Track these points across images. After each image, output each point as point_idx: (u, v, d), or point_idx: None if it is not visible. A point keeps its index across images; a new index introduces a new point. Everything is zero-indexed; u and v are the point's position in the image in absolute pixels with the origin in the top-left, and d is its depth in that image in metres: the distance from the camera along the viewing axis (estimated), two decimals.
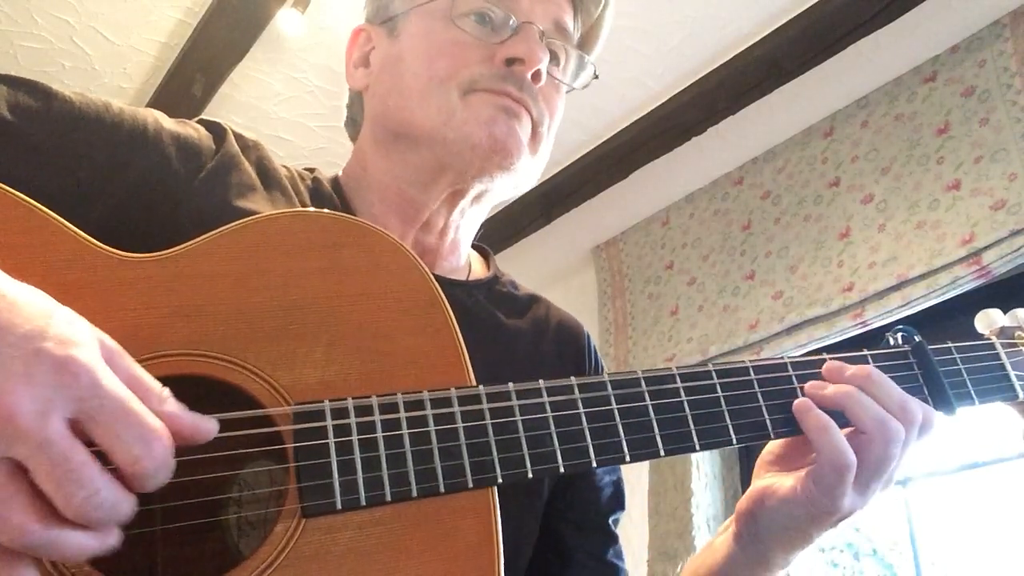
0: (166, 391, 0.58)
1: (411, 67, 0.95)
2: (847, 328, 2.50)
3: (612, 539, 1.06)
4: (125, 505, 0.53)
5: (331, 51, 2.68)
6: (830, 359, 0.86)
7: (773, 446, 0.90)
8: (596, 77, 1.07)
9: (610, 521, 1.06)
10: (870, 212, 2.56)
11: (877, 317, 2.43)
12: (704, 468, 2.88)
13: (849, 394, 0.81)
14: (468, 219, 1.03)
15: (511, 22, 0.95)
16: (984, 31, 2.41)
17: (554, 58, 1.00)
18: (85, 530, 0.52)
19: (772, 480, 0.85)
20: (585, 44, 1.07)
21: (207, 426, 0.59)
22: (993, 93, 2.35)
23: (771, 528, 0.84)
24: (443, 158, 0.93)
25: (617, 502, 1.07)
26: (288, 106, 2.91)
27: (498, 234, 3.36)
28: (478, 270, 1.08)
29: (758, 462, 0.90)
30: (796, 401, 0.82)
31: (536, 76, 0.94)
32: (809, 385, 0.83)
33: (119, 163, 0.79)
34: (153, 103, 2.85)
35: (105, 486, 0.51)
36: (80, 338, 0.53)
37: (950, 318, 2.31)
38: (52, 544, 0.50)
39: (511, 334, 1.00)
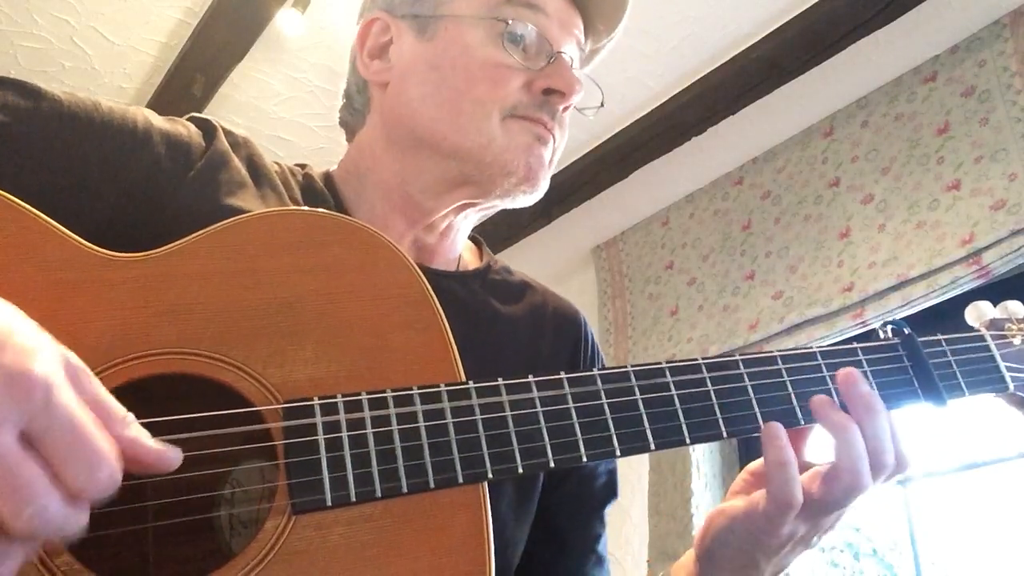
0: (130, 416, 0.56)
1: (449, 80, 0.94)
2: (847, 328, 2.50)
3: (603, 527, 1.07)
4: (75, 518, 0.51)
5: (331, 51, 2.68)
6: (820, 350, 0.86)
7: (748, 470, 0.89)
8: (603, 105, 1.09)
9: (604, 511, 1.07)
10: (870, 212, 2.56)
11: (877, 317, 2.43)
12: (704, 468, 2.88)
13: (844, 427, 0.79)
14: (469, 221, 1.04)
15: (546, 48, 0.96)
16: (984, 31, 2.41)
17: None
18: (31, 542, 0.51)
19: (728, 502, 0.86)
20: (583, 63, 1.08)
21: (171, 455, 0.57)
22: (993, 93, 2.35)
23: (719, 549, 0.85)
24: (471, 176, 0.94)
25: (610, 491, 1.08)
26: (288, 106, 2.92)
27: (498, 234, 3.36)
28: (469, 259, 1.08)
29: (731, 487, 0.90)
30: (765, 427, 0.80)
31: (566, 107, 0.98)
32: (818, 401, 0.81)
33: (108, 162, 0.79)
34: (153, 103, 2.85)
35: (53, 503, 0.50)
36: (41, 353, 0.51)
37: (950, 318, 2.31)
38: (3, 555, 0.50)
39: (508, 321, 1.01)
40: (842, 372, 0.82)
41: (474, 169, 0.94)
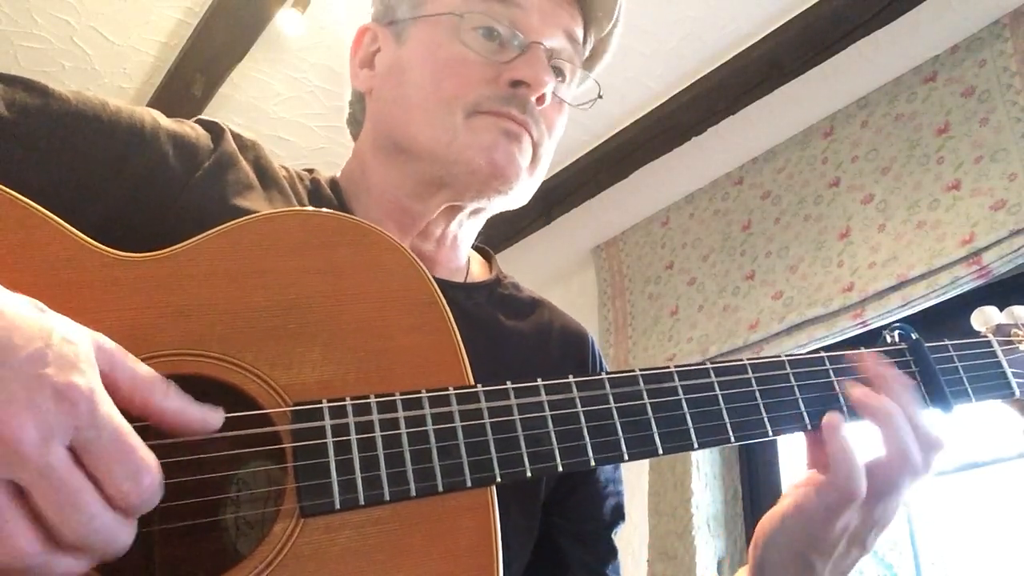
0: (171, 385, 0.59)
1: (416, 80, 0.94)
2: (847, 328, 2.50)
3: (612, 553, 1.04)
4: (122, 532, 0.54)
5: (331, 51, 2.68)
6: (828, 356, 0.85)
7: (792, 484, 0.88)
8: (600, 97, 1.06)
9: (611, 534, 1.05)
10: (870, 212, 2.56)
11: (877, 317, 2.43)
12: (704, 468, 2.88)
13: (890, 415, 0.80)
14: (467, 229, 1.03)
15: (518, 40, 0.94)
16: (984, 31, 2.41)
17: (559, 74, 0.99)
18: (80, 554, 0.53)
19: (774, 509, 0.84)
20: (590, 59, 1.07)
21: (213, 417, 0.61)
22: (993, 93, 2.35)
23: (771, 553, 0.83)
24: (442, 177, 0.93)
25: (618, 514, 1.06)
26: (288, 106, 2.91)
27: (498, 234, 3.36)
28: (478, 272, 1.07)
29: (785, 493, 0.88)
30: (827, 416, 0.81)
31: (540, 99, 0.94)
32: (861, 392, 0.83)
33: (116, 161, 0.78)
34: (153, 103, 2.85)
35: (102, 512, 0.52)
36: (80, 361, 0.53)
37: (950, 318, 2.31)
38: (48, 566, 0.51)
39: (513, 337, 1.00)
40: (871, 368, 0.84)
41: (442, 169, 0.92)
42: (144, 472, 0.54)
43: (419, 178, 0.95)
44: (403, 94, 0.95)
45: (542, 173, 1.00)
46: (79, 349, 0.54)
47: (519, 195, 0.97)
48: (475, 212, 1.00)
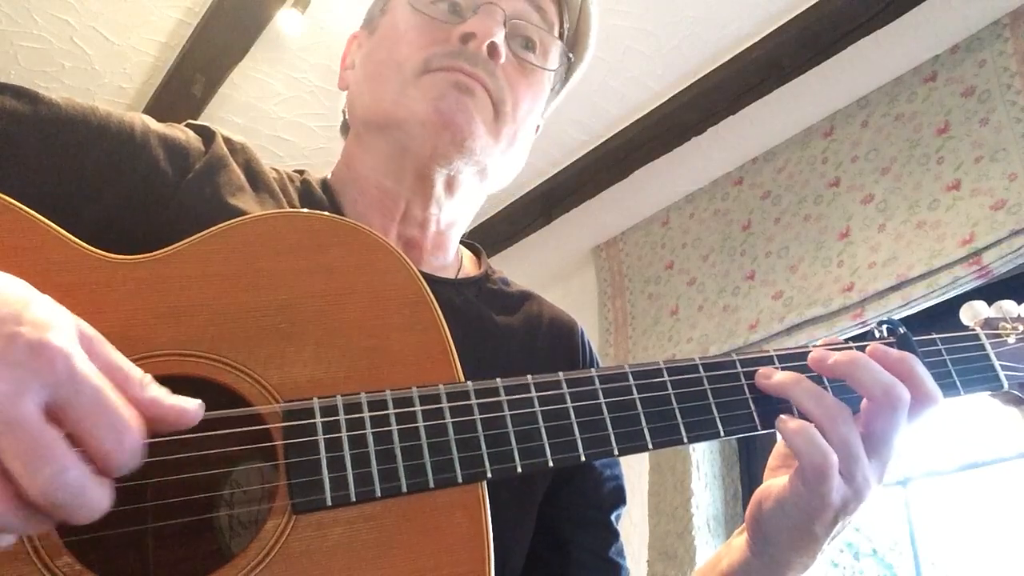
0: (148, 377, 0.57)
1: (377, 57, 0.99)
2: (847, 328, 2.50)
3: (613, 536, 1.05)
4: (97, 489, 0.51)
5: (331, 51, 2.69)
6: (815, 348, 0.85)
7: (778, 449, 0.88)
8: (570, 59, 1.07)
9: (611, 517, 1.05)
10: (870, 212, 2.56)
11: (877, 317, 2.42)
12: (704, 468, 2.88)
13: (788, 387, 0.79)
14: (448, 213, 1.02)
15: (474, 4, 0.96)
16: (984, 31, 2.41)
17: (528, 44, 1.01)
18: (50, 511, 0.50)
19: (770, 482, 0.84)
20: (576, 41, 1.08)
21: (192, 409, 0.58)
22: (993, 93, 2.35)
23: (775, 530, 0.82)
24: (400, 140, 0.94)
25: (618, 497, 1.06)
26: (288, 106, 2.92)
27: (498, 234, 3.36)
28: (468, 268, 1.08)
29: (766, 467, 0.88)
30: (779, 418, 0.80)
31: (493, 51, 0.94)
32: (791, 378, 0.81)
33: (106, 165, 0.79)
34: (153, 103, 2.86)
35: (74, 465, 0.49)
36: (57, 323, 0.52)
37: (950, 318, 2.31)
38: (22, 524, 0.50)
39: (502, 332, 1.00)
40: (810, 359, 0.82)
41: (400, 132, 0.94)
42: (126, 432, 0.52)
43: (386, 151, 0.97)
44: (366, 73, 1.00)
45: (516, 144, 1.01)
46: (58, 316, 0.53)
47: (488, 161, 0.97)
48: (449, 187, 0.99)
